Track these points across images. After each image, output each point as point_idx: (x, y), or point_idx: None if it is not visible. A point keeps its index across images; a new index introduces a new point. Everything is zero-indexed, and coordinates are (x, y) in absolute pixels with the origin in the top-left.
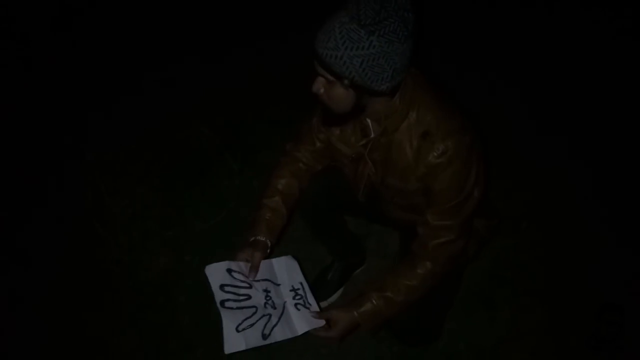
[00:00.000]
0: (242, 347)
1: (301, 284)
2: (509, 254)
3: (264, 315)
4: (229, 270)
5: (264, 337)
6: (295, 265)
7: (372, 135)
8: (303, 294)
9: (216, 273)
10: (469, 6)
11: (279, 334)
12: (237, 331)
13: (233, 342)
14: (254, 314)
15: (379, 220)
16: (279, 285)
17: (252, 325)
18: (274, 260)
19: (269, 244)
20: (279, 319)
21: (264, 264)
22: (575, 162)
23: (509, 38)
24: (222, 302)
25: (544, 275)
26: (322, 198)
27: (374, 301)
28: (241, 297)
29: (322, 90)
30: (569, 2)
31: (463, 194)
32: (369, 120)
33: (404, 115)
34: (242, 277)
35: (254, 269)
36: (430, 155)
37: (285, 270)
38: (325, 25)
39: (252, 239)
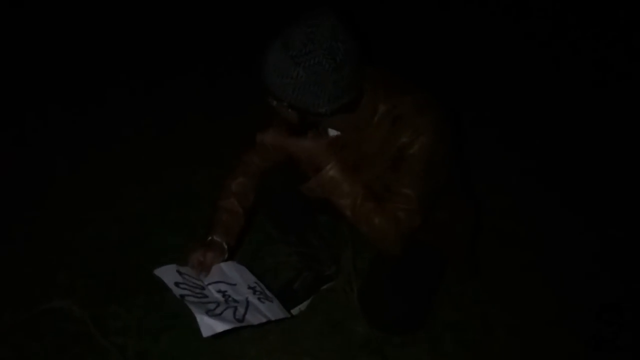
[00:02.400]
0: (219, 329)
1: (256, 282)
2: (509, 253)
3: (228, 307)
4: (179, 272)
5: (238, 320)
6: (244, 268)
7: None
8: (261, 290)
9: (167, 274)
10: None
11: (253, 319)
12: (209, 316)
13: (207, 325)
14: (217, 307)
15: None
16: (234, 284)
17: (220, 314)
18: (222, 264)
19: (226, 246)
20: (246, 308)
21: (213, 268)
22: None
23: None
24: (182, 297)
25: (544, 275)
26: (285, 190)
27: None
28: (198, 295)
29: (275, 103)
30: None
31: (429, 167)
32: (328, 130)
33: (373, 111)
34: (193, 280)
35: (206, 269)
36: (402, 137)
37: (236, 272)
38: (266, 50)
39: (208, 238)
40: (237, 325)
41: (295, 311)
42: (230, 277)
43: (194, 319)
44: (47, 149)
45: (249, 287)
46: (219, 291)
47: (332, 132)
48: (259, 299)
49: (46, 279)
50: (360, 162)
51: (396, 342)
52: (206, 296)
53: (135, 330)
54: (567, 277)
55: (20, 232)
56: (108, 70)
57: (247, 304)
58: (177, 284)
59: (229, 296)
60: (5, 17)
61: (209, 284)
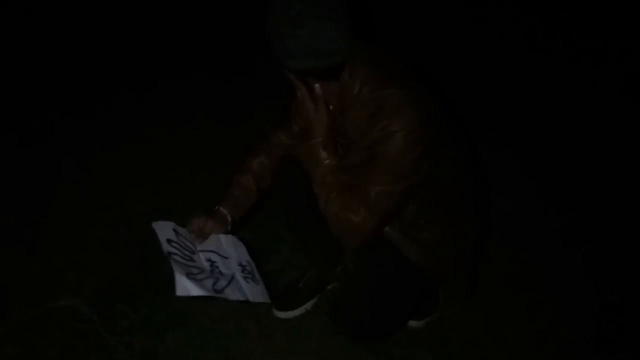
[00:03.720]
0: (194, 293)
1: (248, 262)
2: (508, 253)
3: (211, 277)
4: (175, 231)
5: (216, 291)
6: (242, 245)
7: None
8: (251, 270)
9: (163, 229)
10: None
11: (231, 294)
12: (188, 278)
13: (184, 286)
14: (200, 273)
15: None
16: (226, 258)
17: (200, 280)
18: (222, 236)
19: (230, 219)
20: (229, 283)
21: (212, 237)
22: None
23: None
24: (169, 254)
25: (543, 274)
26: (306, 188)
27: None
28: (186, 257)
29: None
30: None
31: (396, 168)
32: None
33: (358, 93)
34: (186, 242)
35: (204, 236)
36: (375, 129)
37: (232, 247)
38: (279, 43)
39: (215, 208)
40: (213, 294)
41: (300, 310)
42: (224, 249)
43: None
44: (53, 150)
45: (240, 265)
46: (208, 260)
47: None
48: (244, 277)
49: (54, 277)
50: (343, 147)
51: (402, 341)
52: (193, 260)
53: (142, 329)
54: (567, 277)
55: (29, 231)
56: (112, 72)
57: (232, 279)
58: (169, 241)
59: (217, 267)
60: (12, 21)
61: (201, 251)
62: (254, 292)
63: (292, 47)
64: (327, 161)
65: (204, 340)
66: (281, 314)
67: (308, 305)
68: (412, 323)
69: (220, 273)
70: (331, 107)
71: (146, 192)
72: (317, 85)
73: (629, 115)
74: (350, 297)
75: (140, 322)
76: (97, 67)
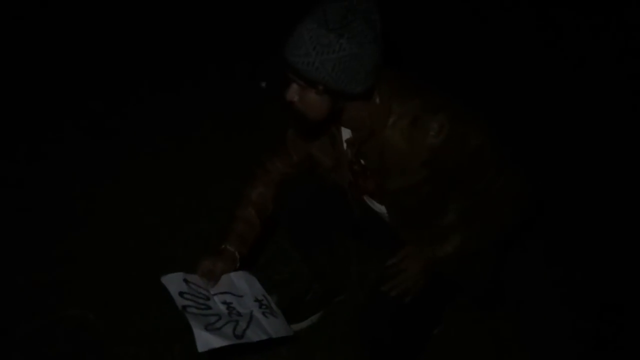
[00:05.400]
0: (216, 345)
1: (264, 295)
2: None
3: (230, 321)
4: (186, 281)
5: (237, 337)
6: (254, 279)
7: (348, 142)
8: (268, 304)
9: (173, 282)
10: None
11: (253, 335)
12: (207, 330)
13: (204, 340)
14: (218, 320)
15: (372, 237)
16: (241, 296)
17: (219, 328)
18: (232, 274)
19: (238, 256)
20: (248, 323)
21: (223, 277)
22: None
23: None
24: (184, 307)
25: (543, 274)
26: (311, 204)
27: (451, 238)
28: (201, 306)
29: (296, 98)
30: None
31: (478, 150)
32: (342, 129)
33: (387, 112)
34: (199, 289)
35: (215, 278)
36: (428, 138)
37: (245, 283)
38: (294, 32)
39: (221, 247)
40: (235, 342)
41: (306, 323)
42: (238, 288)
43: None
44: (61, 163)
45: (256, 300)
46: (224, 302)
47: (346, 133)
48: (263, 313)
49: (62, 287)
50: (385, 171)
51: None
52: (210, 307)
53: (149, 339)
54: (567, 276)
55: (37, 241)
56: (118, 83)
57: (251, 318)
58: (181, 294)
59: (234, 308)
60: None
61: (215, 294)
62: (274, 326)
63: (301, 43)
64: (439, 250)
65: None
66: None
67: (314, 318)
68: None
69: (239, 314)
70: (344, 144)
71: (155, 204)
72: None
73: (629, 116)
74: (376, 315)
75: (147, 332)
76: (100, 78)
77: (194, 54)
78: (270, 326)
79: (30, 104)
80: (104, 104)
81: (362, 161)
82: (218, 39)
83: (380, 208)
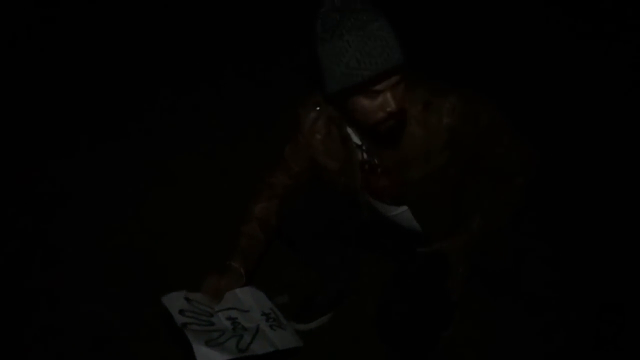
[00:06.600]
0: (217, 359)
1: (271, 309)
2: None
3: (234, 336)
4: (187, 299)
5: (241, 351)
6: (261, 294)
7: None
8: (276, 317)
9: (174, 301)
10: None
11: (258, 348)
12: (208, 345)
13: (204, 355)
14: (221, 335)
15: (380, 245)
16: (247, 311)
17: (222, 343)
18: (238, 290)
19: (243, 272)
20: (254, 337)
21: (228, 294)
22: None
23: None
24: (184, 325)
25: (543, 274)
26: (317, 217)
27: (475, 222)
28: (203, 323)
29: (389, 94)
30: None
31: (490, 123)
32: (349, 130)
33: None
34: (202, 307)
35: (219, 296)
36: (443, 118)
37: (251, 298)
38: (365, 46)
39: (226, 263)
40: (239, 355)
41: (317, 323)
42: (243, 303)
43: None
44: (68, 173)
45: (263, 314)
46: (229, 318)
47: (352, 134)
48: (270, 326)
49: (78, 282)
50: (406, 162)
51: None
52: (212, 324)
53: (163, 335)
54: (567, 276)
55: (51, 236)
56: (125, 101)
57: (257, 331)
58: (181, 312)
59: (239, 323)
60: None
61: (220, 310)
62: (282, 339)
63: (383, 45)
64: (475, 228)
65: None
66: (297, 326)
67: (325, 319)
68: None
69: (244, 329)
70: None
71: (167, 197)
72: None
73: (629, 116)
74: (390, 307)
75: (161, 329)
76: (107, 95)
77: (209, 57)
78: (277, 338)
79: (43, 114)
80: (117, 108)
81: (376, 160)
82: (233, 42)
83: (394, 210)
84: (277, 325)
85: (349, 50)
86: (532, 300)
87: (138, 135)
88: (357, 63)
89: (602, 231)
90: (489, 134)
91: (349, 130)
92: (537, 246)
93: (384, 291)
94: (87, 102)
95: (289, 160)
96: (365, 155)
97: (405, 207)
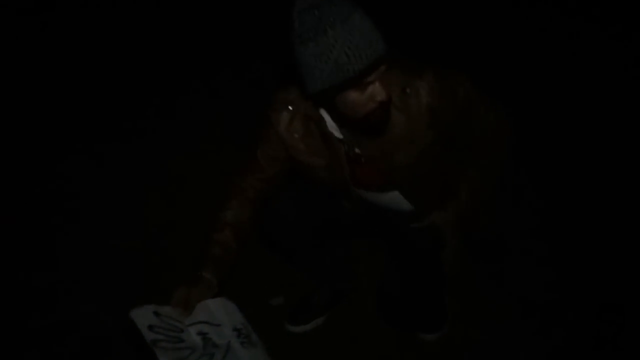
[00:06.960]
0: None
1: (243, 324)
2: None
3: (204, 355)
4: (156, 313)
5: None
6: (234, 306)
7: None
8: (247, 333)
9: (142, 316)
10: None
11: None
12: None
13: None
14: (191, 353)
15: (371, 231)
16: (218, 325)
17: None
18: (210, 301)
19: (215, 282)
20: (224, 356)
21: (200, 305)
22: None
23: None
24: (154, 342)
25: (542, 274)
26: (302, 220)
27: (463, 192)
28: (173, 339)
29: (378, 84)
30: None
31: (467, 96)
32: (327, 123)
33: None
34: (171, 321)
35: (190, 308)
36: (423, 99)
37: (223, 311)
38: (352, 43)
39: (196, 274)
40: None
41: (311, 325)
42: (215, 316)
43: None
44: (67, 174)
45: (234, 329)
46: (200, 333)
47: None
48: (241, 343)
49: (73, 284)
50: (392, 148)
51: (415, 357)
52: (182, 340)
53: None
54: (567, 277)
55: (50, 240)
56: (124, 101)
57: (227, 349)
58: (150, 327)
59: (210, 339)
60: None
61: (190, 324)
62: (252, 357)
63: (368, 36)
64: (463, 198)
65: None
66: (292, 328)
67: (320, 321)
68: (426, 336)
69: (214, 345)
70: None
71: (167, 196)
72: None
73: (629, 115)
74: (391, 292)
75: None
76: (106, 98)
77: (207, 58)
78: (247, 357)
79: (43, 118)
80: (116, 109)
81: (357, 150)
82: (231, 42)
83: (384, 196)
84: (248, 342)
85: (336, 46)
86: (531, 300)
87: (136, 135)
88: (346, 58)
89: (601, 231)
90: (467, 106)
91: (329, 125)
92: (536, 246)
93: (382, 274)
94: (86, 103)
95: (262, 162)
96: (347, 147)
97: (395, 192)
